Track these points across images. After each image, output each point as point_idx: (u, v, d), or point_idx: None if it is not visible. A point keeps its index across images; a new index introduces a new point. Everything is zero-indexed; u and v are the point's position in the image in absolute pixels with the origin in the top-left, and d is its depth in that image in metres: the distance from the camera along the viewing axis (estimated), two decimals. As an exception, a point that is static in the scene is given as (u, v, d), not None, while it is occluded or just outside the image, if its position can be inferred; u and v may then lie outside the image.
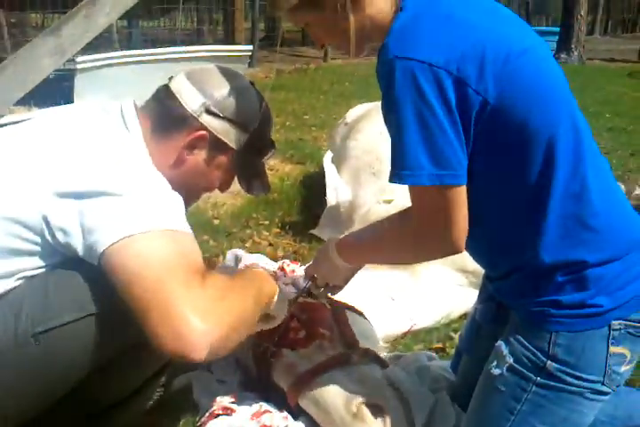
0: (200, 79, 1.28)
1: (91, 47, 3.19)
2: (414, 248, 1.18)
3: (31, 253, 1.10)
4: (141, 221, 1.02)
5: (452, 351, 1.74)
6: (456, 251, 1.12)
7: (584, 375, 1.12)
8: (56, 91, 3.20)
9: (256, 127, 1.31)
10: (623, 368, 1.15)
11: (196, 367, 1.66)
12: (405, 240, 1.18)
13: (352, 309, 1.64)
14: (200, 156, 1.29)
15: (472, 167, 1.08)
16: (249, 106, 1.31)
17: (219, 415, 1.42)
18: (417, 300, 2.04)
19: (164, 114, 1.26)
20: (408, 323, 1.99)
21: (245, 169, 1.36)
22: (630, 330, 1.13)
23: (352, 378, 1.40)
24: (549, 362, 1.13)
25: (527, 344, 1.15)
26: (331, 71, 9.43)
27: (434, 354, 1.82)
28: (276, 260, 2.10)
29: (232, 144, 1.29)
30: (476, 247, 1.23)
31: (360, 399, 1.35)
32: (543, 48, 1.16)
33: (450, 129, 1.03)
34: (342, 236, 1.40)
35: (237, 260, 1.82)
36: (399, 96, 1.02)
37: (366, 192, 2.56)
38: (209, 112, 1.26)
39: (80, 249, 1.04)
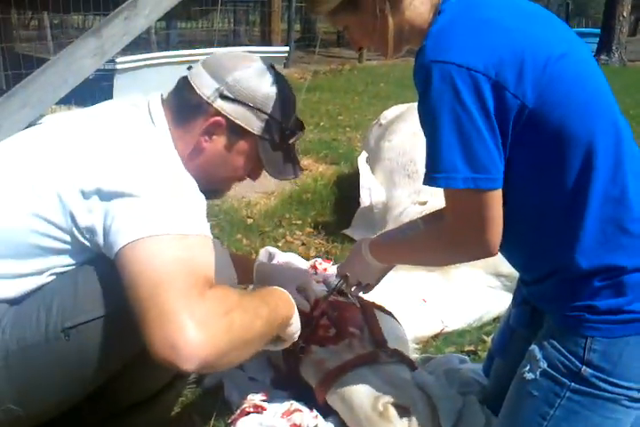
0: (215, 65, 1.26)
1: (130, 48, 3.25)
2: (447, 250, 1.17)
3: (62, 251, 1.11)
4: (156, 223, 1.01)
5: (484, 355, 1.72)
6: (489, 254, 1.11)
7: (620, 382, 1.10)
8: (96, 90, 3.27)
9: (273, 110, 1.26)
10: (660, 376, 1.13)
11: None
12: (438, 242, 1.17)
13: (382, 309, 1.64)
14: (219, 142, 1.26)
15: (509, 170, 1.07)
16: (264, 88, 1.26)
17: (249, 413, 1.43)
18: (449, 302, 2.03)
19: (182, 104, 1.26)
20: (439, 325, 1.98)
21: (270, 153, 1.30)
22: (668, 337, 1.11)
23: (380, 377, 1.40)
24: (584, 368, 1.11)
25: (562, 349, 1.13)
26: (365, 72, 9.41)
27: (466, 357, 1.80)
28: (308, 259, 2.11)
29: (251, 128, 1.26)
30: (511, 251, 1.22)
31: (387, 399, 1.35)
32: (584, 51, 1.15)
33: (487, 132, 1.03)
34: (375, 235, 1.40)
35: (270, 257, 1.83)
36: (436, 99, 1.02)
37: (400, 193, 2.55)
38: (223, 97, 1.23)
39: (103, 248, 1.05)
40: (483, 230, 1.07)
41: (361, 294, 1.50)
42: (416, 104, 1.10)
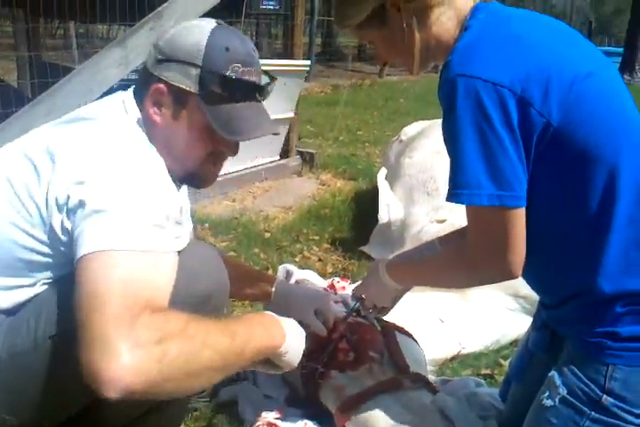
0: (158, 36, 1.20)
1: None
2: (468, 272, 1.15)
3: (50, 265, 1.10)
4: (116, 238, 0.96)
5: (501, 379, 1.70)
6: (512, 276, 1.09)
7: (643, 413, 1.08)
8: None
9: (206, 59, 1.13)
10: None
11: (245, 378, 1.67)
12: (459, 263, 1.15)
13: (402, 330, 1.62)
14: (168, 112, 1.16)
15: (531, 190, 1.06)
16: (191, 40, 1.15)
17: (263, 431, 1.42)
18: (466, 323, 2.01)
19: (138, 83, 1.21)
20: (456, 347, 1.95)
21: (215, 109, 1.16)
22: (693, 367, 1.08)
23: (401, 403, 1.38)
24: (605, 396, 1.08)
25: (582, 376, 1.11)
26: (386, 87, 9.44)
27: (482, 380, 1.78)
28: (324, 275, 2.10)
29: (187, 86, 1.14)
30: (532, 273, 1.20)
31: (407, 427, 1.32)
32: (610, 70, 1.14)
33: (512, 149, 1.02)
34: (392, 256, 1.39)
35: (288, 275, 1.82)
36: (461, 114, 1.02)
37: (419, 211, 2.54)
38: (158, 61, 1.16)
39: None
40: (506, 250, 1.05)
41: (377, 315, 1.48)
42: (438, 121, 1.10)
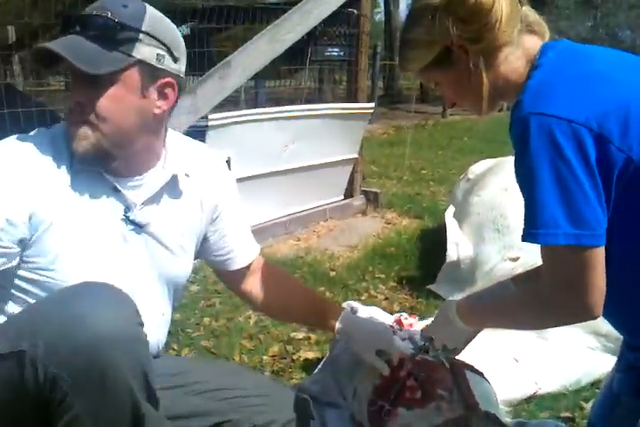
0: None
1: (220, 105, 3.39)
2: (544, 313, 1.09)
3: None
4: None
5: (583, 422, 1.61)
6: (593, 317, 1.04)
7: None
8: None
9: None
10: None
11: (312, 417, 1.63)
12: (534, 304, 1.10)
13: (472, 368, 1.57)
14: None
15: (611, 226, 1.01)
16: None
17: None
18: (543, 362, 1.92)
19: None
20: (532, 386, 1.87)
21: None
22: None
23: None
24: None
25: (675, 423, 1.04)
26: (449, 127, 9.44)
27: (563, 424, 1.69)
28: (391, 314, 2.06)
29: None
30: (614, 312, 1.13)
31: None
32: None
33: (589, 187, 0.98)
34: (463, 296, 1.35)
35: (353, 312, 1.79)
36: (534, 153, 0.99)
37: (490, 249, 2.48)
38: None
39: None
40: (585, 291, 1.01)
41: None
42: (505, 158, 1.09)
